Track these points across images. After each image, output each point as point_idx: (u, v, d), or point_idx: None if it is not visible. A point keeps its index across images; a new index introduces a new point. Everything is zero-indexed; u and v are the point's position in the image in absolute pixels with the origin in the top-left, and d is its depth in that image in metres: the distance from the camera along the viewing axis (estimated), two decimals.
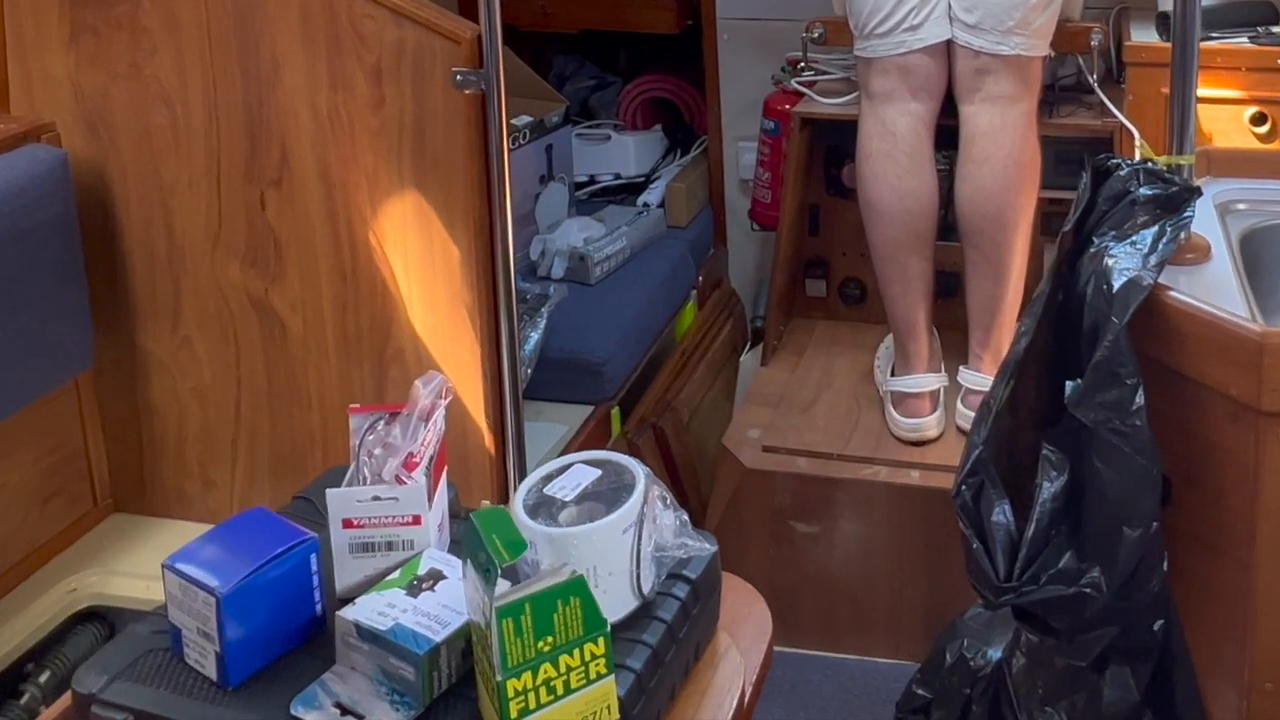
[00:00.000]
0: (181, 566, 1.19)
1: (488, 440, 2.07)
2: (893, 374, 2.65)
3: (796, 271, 3.00)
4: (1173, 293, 1.43)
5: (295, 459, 2.13)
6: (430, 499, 1.25)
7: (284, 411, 2.11)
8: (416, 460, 1.24)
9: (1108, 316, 1.41)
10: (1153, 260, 1.45)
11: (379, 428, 1.28)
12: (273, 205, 2.03)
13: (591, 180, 3.20)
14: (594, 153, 3.19)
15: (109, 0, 2.00)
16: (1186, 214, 1.53)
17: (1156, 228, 1.51)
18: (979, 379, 2.58)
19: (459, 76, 1.87)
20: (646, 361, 2.81)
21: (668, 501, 1.30)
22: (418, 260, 2.02)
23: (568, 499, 1.25)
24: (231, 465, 2.14)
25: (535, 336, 2.48)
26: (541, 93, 2.96)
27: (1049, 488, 1.40)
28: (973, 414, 2.55)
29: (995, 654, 1.95)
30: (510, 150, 1.94)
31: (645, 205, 3.08)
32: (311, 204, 2.02)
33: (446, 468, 1.33)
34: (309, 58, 1.96)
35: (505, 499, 2.08)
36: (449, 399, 1.28)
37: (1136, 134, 2.60)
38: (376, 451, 1.27)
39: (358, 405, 1.29)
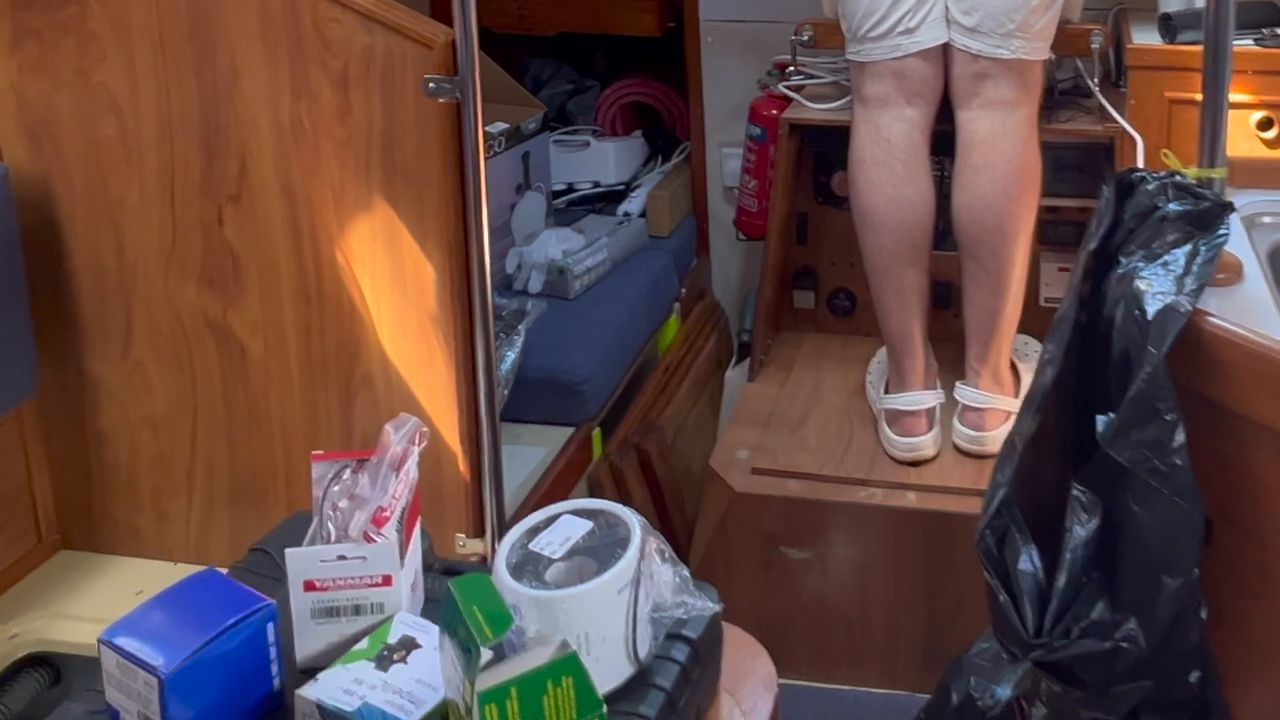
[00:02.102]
0: (120, 641, 1.05)
1: (463, 467, 1.95)
2: (886, 391, 2.55)
3: (784, 283, 2.89)
4: (1213, 319, 1.32)
5: (256, 491, 2.00)
6: (402, 557, 1.13)
7: (244, 441, 1.99)
8: (387, 515, 1.11)
9: (1143, 346, 1.29)
10: (1189, 283, 1.33)
11: (345, 477, 1.16)
12: (231, 222, 1.91)
13: (569, 188, 3.08)
14: (572, 160, 3.06)
15: (54, 3, 1.87)
16: (1221, 232, 1.41)
17: (1189, 247, 1.40)
18: (977, 395, 2.48)
19: (431, 84, 1.76)
20: (628, 379, 2.69)
21: (666, 555, 1.18)
22: (387, 279, 1.90)
23: (555, 556, 1.13)
24: (187, 498, 2.02)
25: (512, 355, 2.36)
26: (517, 98, 2.83)
27: (1080, 532, 1.28)
28: (971, 432, 2.49)
29: (1004, 693, 1.83)
30: (485, 160, 1.84)
31: (626, 215, 2.96)
32: (273, 220, 1.90)
33: (420, 517, 1.21)
34: (270, 64, 1.84)
35: (482, 530, 1.96)
36: (423, 445, 1.15)
37: (1140, 141, 2.50)
38: (342, 504, 1.14)
39: (321, 452, 1.16)
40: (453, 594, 0.97)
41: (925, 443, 2.47)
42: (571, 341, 2.53)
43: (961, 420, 2.49)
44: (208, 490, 2.01)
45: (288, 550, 1.10)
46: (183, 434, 2.00)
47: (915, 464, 2.47)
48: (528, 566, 1.11)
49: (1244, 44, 2.52)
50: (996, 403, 2.48)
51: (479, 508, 1.96)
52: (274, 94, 1.85)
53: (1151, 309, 1.32)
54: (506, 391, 2.33)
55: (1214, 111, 1.50)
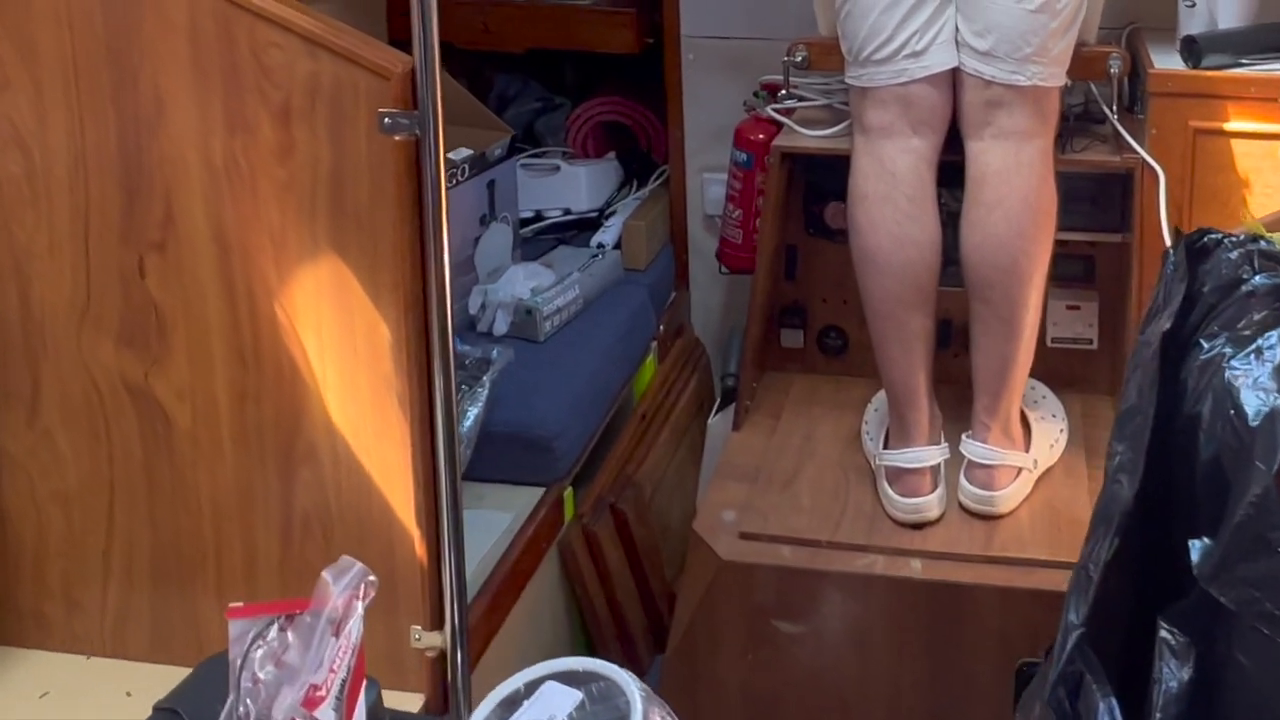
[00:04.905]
0: None
1: (419, 551, 1.73)
2: (886, 444, 2.33)
3: (771, 320, 2.67)
4: None
5: (181, 576, 1.78)
6: None
7: (168, 520, 1.76)
8: (322, 694, 0.88)
9: (1246, 459, 1.07)
10: None
11: (270, 636, 0.92)
12: (155, 273, 1.69)
13: (538, 216, 2.85)
14: (540, 186, 2.84)
15: None
16: None
17: None
18: (986, 451, 2.27)
19: (387, 119, 1.55)
20: (602, 430, 2.47)
21: None
22: (335, 339, 1.68)
23: None
24: (103, 584, 1.79)
25: (475, 411, 2.13)
26: (482, 120, 2.60)
27: (1171, 684, 1.06)
28: (980, 491, 2.27)
29: None
30: (447, 190, 1.64)
31: (600, 246, 2.74)
32: (203, 271, 1.68)
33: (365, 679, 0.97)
34: (201, 94, 1.62)
35: (440, 622, 1.73)
36: (370, 598, 0.91)
37: (1162, 174, 2.32)
38: (266, 673, 0.90)
39: (239, 605, 0.92)
40: None
41: (930, 503, 2.25)
42: (541, 392, 2.31)
43: (969, 478, 2.28)
44: (126, 575, 1.79)
45: None
46: (98, 512, 1.78)
47: (918, 526, 2.26)
48: None
49: (1273, 69, 2.35)
50: (1007, 459, 2.27)
51: (438, 595, 1.74)
52: (205, 128, 1.64)
53: (1252, 410, 1.10)
54: (469, 451, 2.11)
55: None
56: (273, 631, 0.92)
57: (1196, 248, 1.32)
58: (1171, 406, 1.22)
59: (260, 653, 0.91)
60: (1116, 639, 1.17)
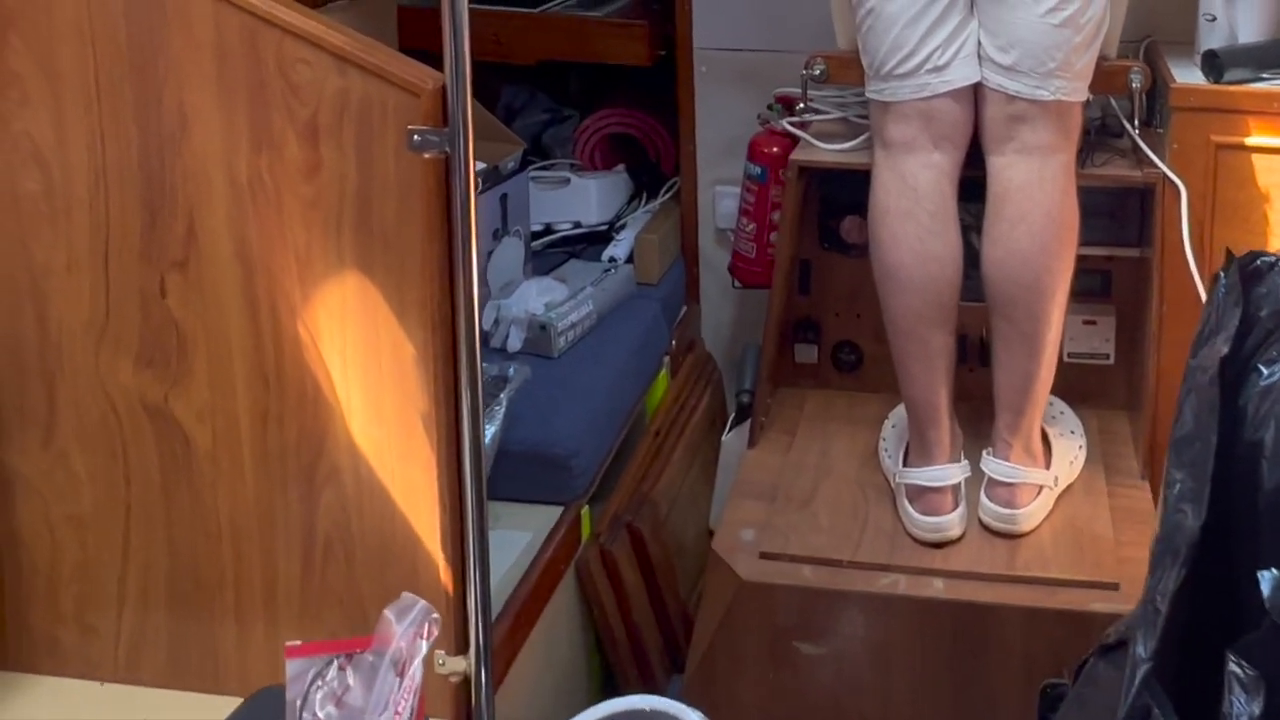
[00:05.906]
0: None
1: (445, 576, 1.70)
2: (905, 461, 2.30)
3: (785, 336, 2.64)
4: None
5: (199, 601, 1.74)
6: None
7: (186, 543, 1.73)
8: None
9: None
10: None
11: (329, 675, 0.89)
12: (176, 292, 1.66)
13: (548, 229, 2.81)
14: (550, 199, 2.80)
15: None
16: None
17: None
18: (1008, 469, 2.24)
19: (417, 137, 1.52)
20: (617, 447, 2.44)
21: None
22: (360, 359, 1.65)
23: None
24: (118, 609, 1.75)
25: (492, 429, 2.09)
26: (494, 133, 2.57)
27: (1242, 719, 1.03)
28: (1001, 509, 2.24)
29: None
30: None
31: (612, 260, 2.70)
32: (225, 290, 1.65)
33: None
34: (225, 111, 1.59)
35: (464, 646, 1.70)
36: (434, 637, 0.88)
37: (1184, 189, 2.31)
38: (325, 716, 0.87)
39: (297, 643, 0.89)
40: None
41: (951, 522, 2.23)
42: (557, 409, 2.27)
43: (990, 496, 2.25)
44: (142, 600, 1.75)
45: None
46: (113, 535, 1.74)
47: (940, 545, 2.23)
48: None
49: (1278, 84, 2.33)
50: (1029, 476, 2.25)
51: (462, 620, 1.70)
52: (229, 145, 1.60)
53: None
54: (487, 470, 2.07)
55: None
56: (332, 670, 0.89)
57: (1249, 270, 1.30)
58: (1230, 433, 1.20)
59: (320, 693, 0.88)
60: (1180, 671, 1.14)
